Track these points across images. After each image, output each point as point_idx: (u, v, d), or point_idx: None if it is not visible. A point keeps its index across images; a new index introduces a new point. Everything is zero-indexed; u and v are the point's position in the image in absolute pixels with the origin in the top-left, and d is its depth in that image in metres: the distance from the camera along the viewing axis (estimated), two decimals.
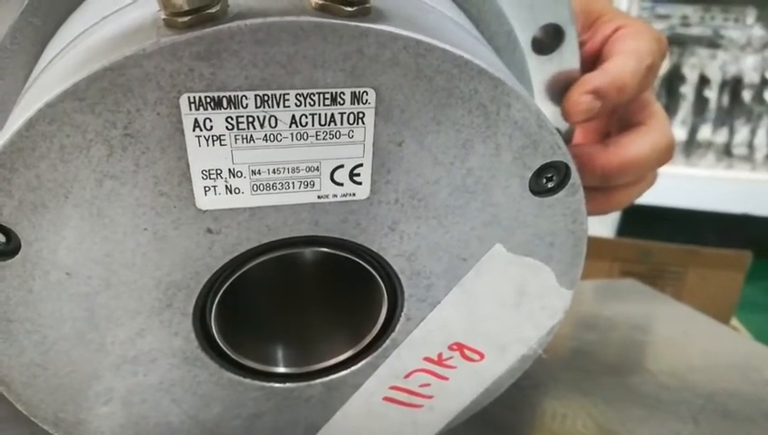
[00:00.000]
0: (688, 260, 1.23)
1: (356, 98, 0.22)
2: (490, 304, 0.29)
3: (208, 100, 0.21)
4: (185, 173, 0.22)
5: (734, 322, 1.29)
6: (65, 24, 0.29)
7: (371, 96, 0.22)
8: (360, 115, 0.23)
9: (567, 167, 0.26)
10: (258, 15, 0.21)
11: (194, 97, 0.21)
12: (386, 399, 0.30)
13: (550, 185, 0.26)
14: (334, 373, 0.29)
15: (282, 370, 0.29)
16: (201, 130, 0.22)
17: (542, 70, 0.34)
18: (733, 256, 1.21)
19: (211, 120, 0.21)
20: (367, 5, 0.22)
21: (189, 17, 0.20)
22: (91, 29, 0.24)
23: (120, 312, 0.25)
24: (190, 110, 0.21)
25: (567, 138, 0.37)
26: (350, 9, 0.21)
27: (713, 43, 1.58)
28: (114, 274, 0.24)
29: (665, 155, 0.36)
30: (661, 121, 0.37)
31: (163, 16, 0.21)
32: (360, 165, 0.24)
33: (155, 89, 0.21)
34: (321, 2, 0.21)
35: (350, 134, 0.23)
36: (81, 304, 0.24)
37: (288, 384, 0.29)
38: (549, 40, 0.33)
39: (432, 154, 0.24)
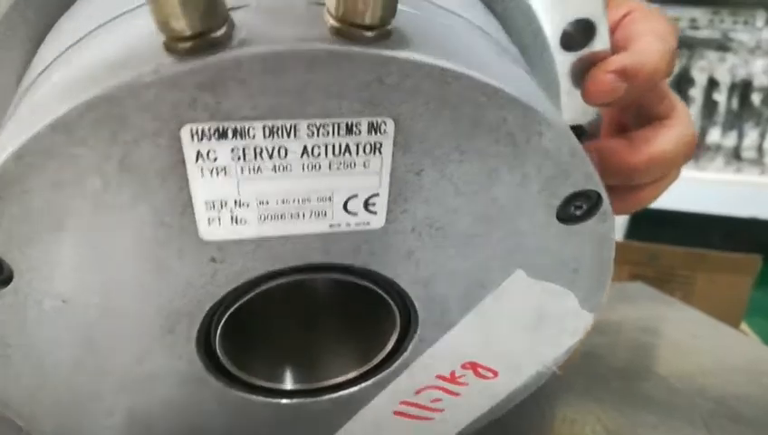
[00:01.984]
0: (697, 264, 1.22)
1: (373, 128, 0.21)
2: (507, 326, 0.28)
3: (212, 130, 0.20)
4: (187, 204, 0.21)
5: (743, 326, 1.28)
6: (61, 22, 0.27)
7: (390, 126, 0.21)
8: (378, 145, 0.21)
9: (598, 195, 0.25)
10: (267, 41, 0.19)
11: (196, 128, 0.20)
12: (396, 413, 0.30)
13: (578, 213, 0.25)
14: (343, 390, 0.29)
15: (289, 386, 0.29)
16: (204, 161, 0.20)
17: (571, 66, 0.32)
18: (742, 260, 1.20)
19: (215, 151, 0.20)
20: (387, 28, 0.20)
21: (191, 42, 0.19)
22: (86, 39, 0.23)
23: (119, 338, 0.24)
24: (192, 141, 0.20)
25: (594, 130, 0.35)
26: (369, 34, 0.20)
27: (722, 45, 1.58)
28: (113, 301, 0.23)
29: (690, 149, 0.34)
30: (684, 114, 0.35)
31: (162, 39, 0.19)
32: (376, 195, 0.23)
33: (153, 120, 0.19)
34: (337, 25, 0.19)
35: (366, 164, 0.22)
36: (78, 331, 0.24)
37: (296, 400, 0.29)
38: (579, 36, 0.31)
39: (453, 184, 0.23)
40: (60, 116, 0.19)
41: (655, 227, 1.46)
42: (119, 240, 0.22)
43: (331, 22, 0.20)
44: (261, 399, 0.28)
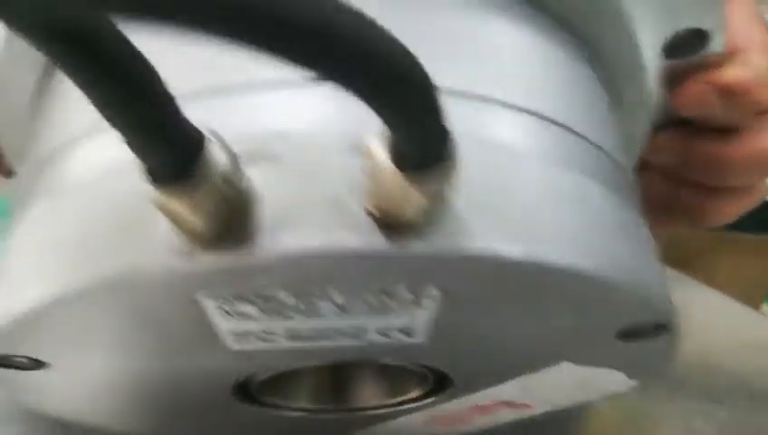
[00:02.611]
0: (720, 246, 1.21)
1: (415, 293, 0.18)
2: (547, 389, 0.26)
3: (233, 297, 0.18)
4: (210, 330, 0.19)
5: (765, 308, 1.27)
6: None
7: (435, 293, 0.18)
8: (420, 303, 0.19)
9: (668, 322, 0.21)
10: (293, 229, 0.16)
11: (216, 298, 0.18)
12: (424, 422, 0.30)
13: (640, 333, 0.22)
14: (373, 411, 0.29)
15: (314, 406, 0.29)
16: (228, 313, 0.19)
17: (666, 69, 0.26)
18: (764, 242, 1.19)
19: (239, 307, 0.18)
20: (434, 210, 0.16)
21: (207, 239, 0.16)
22: (76, 157, 0.20)
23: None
24: (211, 304, 0.18)
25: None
26: (411, 219, 0.16)
27: None
28: (141, 379, 0.24)
29: None
30: None
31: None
32: (415, 330, 0.20)
33: (163, 301, 0.18)
34: (373, 210, 0.16)
35: (407, 314, 0.19)
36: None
37: (321, 416, 0.29)
38: (689, 42, 0.25)
39: (504, 329, 0.21)
40: (49, 298, 0.18)
41: None
42: (142, 352, 0.21)
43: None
44: (291, 414, 0.28)
